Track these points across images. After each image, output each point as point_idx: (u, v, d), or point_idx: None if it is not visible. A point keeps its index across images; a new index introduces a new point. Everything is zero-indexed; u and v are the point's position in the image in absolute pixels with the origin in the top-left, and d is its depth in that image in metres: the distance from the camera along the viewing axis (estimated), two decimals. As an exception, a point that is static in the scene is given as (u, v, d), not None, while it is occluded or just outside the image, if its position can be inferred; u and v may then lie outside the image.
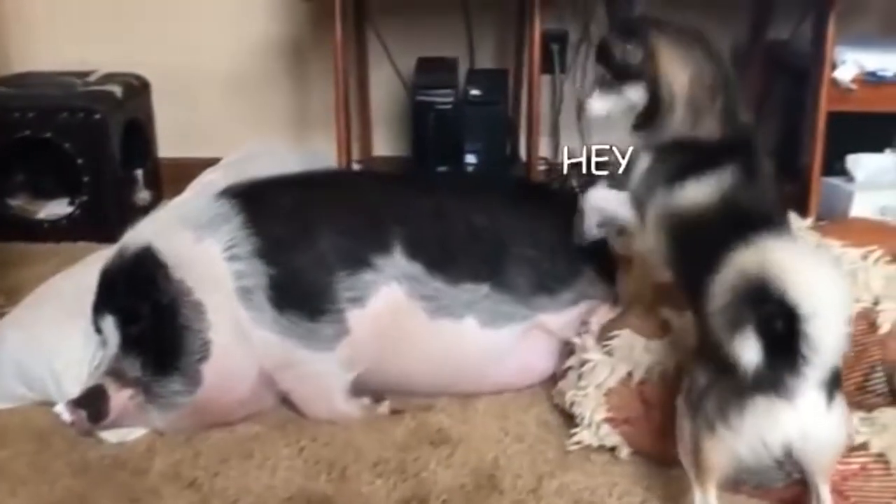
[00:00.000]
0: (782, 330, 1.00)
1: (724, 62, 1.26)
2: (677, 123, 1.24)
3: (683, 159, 1.23)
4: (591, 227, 1.43)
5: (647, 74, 1.23)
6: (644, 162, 1.28)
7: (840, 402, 1.08)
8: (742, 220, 1.15)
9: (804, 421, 1.06)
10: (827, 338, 0.99)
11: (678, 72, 1.23)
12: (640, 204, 1.29)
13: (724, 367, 1.05)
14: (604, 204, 1.40)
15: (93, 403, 1.38)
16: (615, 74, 1.27)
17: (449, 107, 2.18)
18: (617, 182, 1.38)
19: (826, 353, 1.00)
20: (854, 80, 2.02)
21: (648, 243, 1.30)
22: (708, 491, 1.13)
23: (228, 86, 2.58)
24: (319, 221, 1.47)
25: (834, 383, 1.07)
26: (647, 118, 1.26)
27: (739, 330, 1.01)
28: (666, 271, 1.31)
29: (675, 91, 1.23)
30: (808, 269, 1.02)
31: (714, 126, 1.23)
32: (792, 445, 1.08)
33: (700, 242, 1.17)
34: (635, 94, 1.26)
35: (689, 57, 1.23)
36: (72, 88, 2.32)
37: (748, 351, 1.01)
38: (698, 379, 1.13)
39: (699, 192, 1.20)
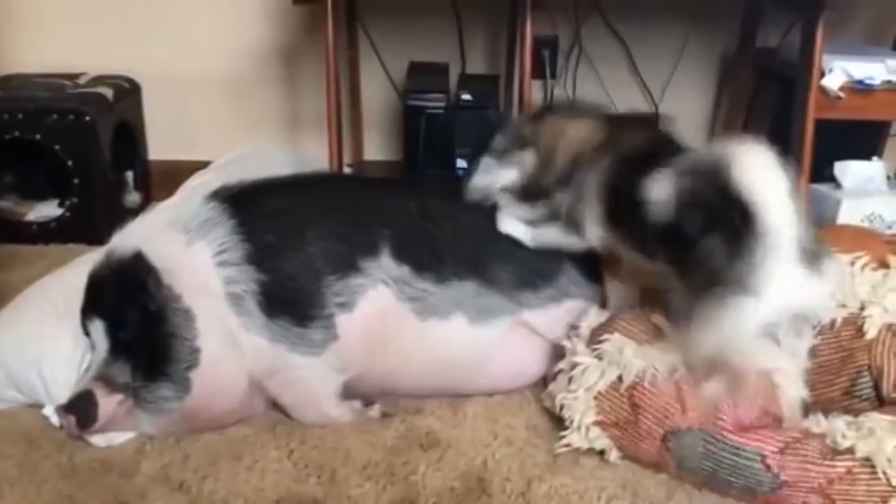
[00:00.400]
0: (740, 225, 1.17)
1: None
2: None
3: None
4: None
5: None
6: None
7: (825, 269, 1.23)
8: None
9: (790, 294, 1.21)
10: (782, 218, 1.18)
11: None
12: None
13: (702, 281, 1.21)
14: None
15: (82, 409, 1.37)
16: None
17: (440, 111, 2.18)
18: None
19: (787, 232, 1.18)
20: (842, 88, 2.04)
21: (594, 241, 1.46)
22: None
23: (219, 88, 2.57)
24: (308, 226, 1.47)
25: (812, 255, 1.21)
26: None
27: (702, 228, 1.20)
28: (629, 253, 1.43)
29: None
30: (751, 164, 1.19)
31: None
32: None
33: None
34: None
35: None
36: (62, 90, 2.31)
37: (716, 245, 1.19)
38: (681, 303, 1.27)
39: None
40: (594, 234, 1.44)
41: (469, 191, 1.55)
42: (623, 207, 1.36)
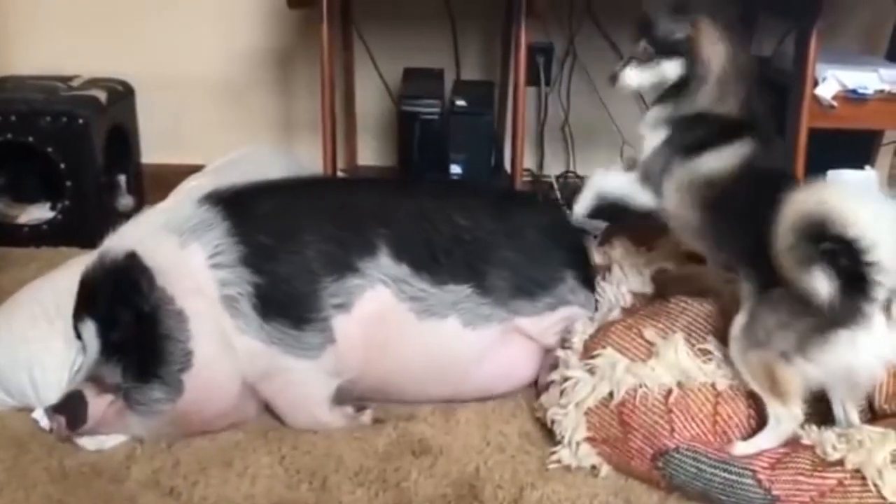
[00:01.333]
0: (848, 264, 1.13)
1: (749, 53, 1.43)
2: (705, 98, 1.38)
3: (705, 131, 1.38)
4: (583, 207, 1.53)
5: (689, 50, 1.37)
6: (659, 135, 1.42)
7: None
8: (762, 180, 1.32)
9: (881, 343, 1.19)
10: (891, 261, 1.13)
11: (717, 52, 1.37)
12: (653, 177, 1.42)
13: (798, 308, 1.20)
14: (606, 184, 1.51)
15: (71, 409, 1.36)
16: (658, 48, 1.39)
17: (435, 117, 2.18)
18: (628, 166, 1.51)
19: (892, 275, 1.14)
20: (835, 98, 2.05)
21: (670, 215, 1.43)
22: (791, 408, 1.27)
23: (213, 92, 2.57)
24: (304, 227, 1.47)
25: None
26: (677, 91, 1.40)
27: (808, 268, 1.15)
28: (694, 240, 1.44)
29: (712, 69, 1.37)
30: (862, 204, 1.15)
31: (734, 104, 1.39)
32: (872, 370, 1.22)
33: (729, 203, 1.33)
34: (672, 68, 1.39)
35: (727, 40, 1.37)
36: (55, 93, 2.30)
37: (820, 285, 1.16)
38: (765, 319, 1.26)
39: (720, 160, 1.36)
40: (671, 202, 1.41)
41: (620, 83, 1.44)
42: (738, 217, 1.33)
